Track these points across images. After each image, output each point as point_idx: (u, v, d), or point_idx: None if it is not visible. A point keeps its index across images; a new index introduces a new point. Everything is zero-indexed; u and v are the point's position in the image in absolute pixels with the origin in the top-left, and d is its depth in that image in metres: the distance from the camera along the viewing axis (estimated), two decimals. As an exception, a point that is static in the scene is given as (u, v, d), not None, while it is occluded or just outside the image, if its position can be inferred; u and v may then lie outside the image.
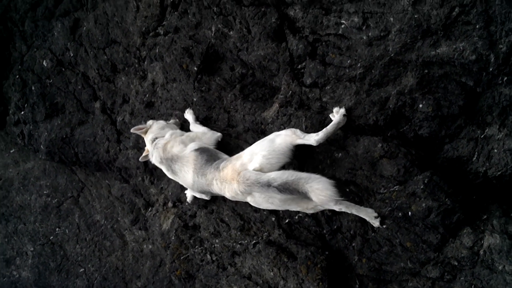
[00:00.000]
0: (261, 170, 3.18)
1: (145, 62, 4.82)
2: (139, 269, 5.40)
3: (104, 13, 5.03)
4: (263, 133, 3.82)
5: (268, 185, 3.05)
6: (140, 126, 4.34)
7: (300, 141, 3.22)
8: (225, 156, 3.72)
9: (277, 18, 3.75)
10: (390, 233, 3.33)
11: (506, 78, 2.94)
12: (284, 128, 3.55)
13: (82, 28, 5.27)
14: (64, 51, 5.46)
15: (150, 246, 5.29)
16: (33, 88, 5.62)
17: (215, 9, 4.07)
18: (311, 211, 3.45)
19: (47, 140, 5.59)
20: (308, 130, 3.44)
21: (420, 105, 3.25)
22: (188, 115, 4.35)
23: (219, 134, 4.03)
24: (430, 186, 3.14)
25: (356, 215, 3.39)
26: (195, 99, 4.33)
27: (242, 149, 3.52)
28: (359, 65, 3.40)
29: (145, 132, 4.31)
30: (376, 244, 3.43)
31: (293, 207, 3.38)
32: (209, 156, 3.66)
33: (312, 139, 3.19)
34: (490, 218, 3.16)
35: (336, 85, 3.56)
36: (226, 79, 4.19)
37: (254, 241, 3.89)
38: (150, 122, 4.36)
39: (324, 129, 3.23)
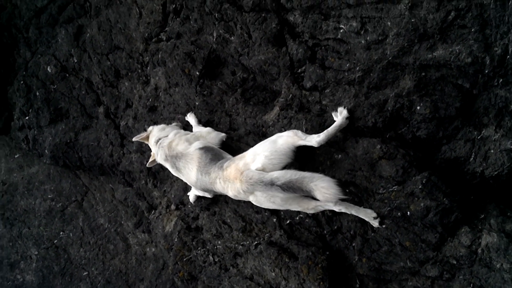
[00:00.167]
0: (263, 170, 3.22)
1: (148, 67, 4.90)
2: (142, 272, 5.46)
3: (107, 19, 5.12)
4: (264, 136, 3.88)
5: (271, 184, 3.09)
6: (141, 134, 4.39)
7: (301, 142, 3.27)
8: (229, 156, 3.76)
9: (277, 24, 3.81)
10: (389, 233, 3.39)
11: (501, 80, 3.00)
12: (285, 131, 3.60)
13: (86, 35, 5.35)
14: (68, 57, 5.54)
15: (153, 249, 5.35)
16: (37, 93, 5.70)
17: (216, 15, 4.14)
18: (311, 211, 3.50)
19: (52, 144, 5.65)
20: (308, 132, 3.49)
21: (418, 107, 3.31)
22: (190, 118, 4.41)
23: (223, 134, 4.09)
24: (428, 186, 3.19)
25: (356, 216, 3.45)
26: (197, 103, 4.39)
27: (244, 151, 3.56)
28: (357, 68, 3.46)
29: (147, 138, 4.35)
30: (376, 244, 3.48)
31: (294, 207, 3.42)
32: (213, 155, 3.70)
33: (314, 140, 3.24)
34: (487, 217, 3.20)
35: (336, 88, 3.62)
36: (228, 83, 4.25)
37: (256, 242, 3.94)
38: (150, 128, 4.39)
39: (326, 131, 3.28)
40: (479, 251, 3.13)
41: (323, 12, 3.57)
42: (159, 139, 4.15)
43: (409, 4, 3.08)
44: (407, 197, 3.27)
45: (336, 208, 3.34)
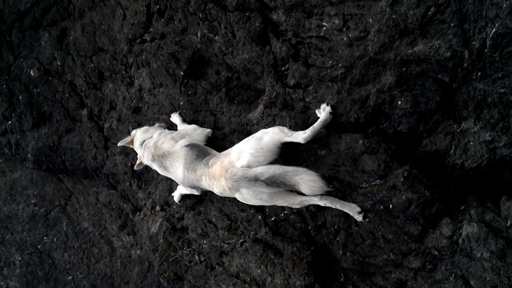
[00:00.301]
0: (248, 167, 3.23)
1: (132, 69, 4.91)
2: (127, 274, 5.44)
3: (91, 22, 5.13)
4: (248, 134, 3.87)
5: (255, 179, 3.10)
6: (125, 138, 4.39)
7: (288, 139, 3.30)
8: (215, 152, 3.77)
9: (261, 22, 3.86)
10: (372, 226, 3.44)
11: (480, 73, 3.08)
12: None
13: (69, 37, 5.34)
14: (51, 60, 5.52)
15: (138, 252, 5.34)
16: (20, 97, 5.67)
17: (200, 15, 4.18)
18: (297, 206, 3.52)
19: (35, 148, 5.62)
20: (292, 129, 3.50)
21: (399, 102, 3.38)
22: (175, 118, 4.42)
23: (209, 130, 4.11)
24: (410, 179, 3.25)
25: (340, 210, 3.49)
26: (181, 103, 4.41)
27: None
28: (340, 65, 3.52)
29: (132, 142, 4.35)
30: (359, 238, 3.53)
31: (280, 202, 3.43)
32: (199, 152, 3.71)
33: (300, 137, 3.27)
34: (467, 208, 3.27)
35: (319, 85, 3.68)
36: (212, 82, 4.29)
37: (241, 240, 3.96)
38: (133, 131, 4.40)
39: (311, 127, 3.32)
40: (460, 241, 3.20)
41: (306, 10, 3.64)
42: (144, 141, 4.15)
43: (390, 1, 3.15)
44: (389, 191, 3.32)
45: (322, 203, 3.36)
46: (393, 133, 3.53)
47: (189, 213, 4.40)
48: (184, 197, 4.42)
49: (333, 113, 3.52)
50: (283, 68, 3.88)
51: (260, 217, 3.94)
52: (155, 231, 4.64)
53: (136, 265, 5.34)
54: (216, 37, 4.13)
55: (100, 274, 5.68)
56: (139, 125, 4.78)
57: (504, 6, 2.78)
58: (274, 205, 3.62)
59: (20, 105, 5.68)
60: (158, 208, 4.78)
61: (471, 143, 3.27)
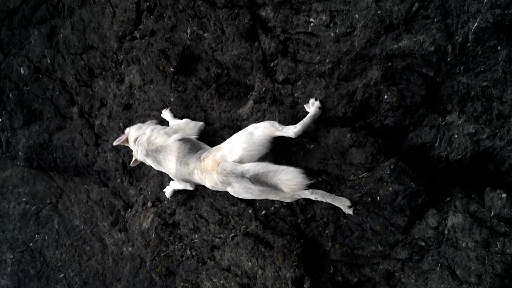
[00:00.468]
0: (241, 161, 3.28)
1: (122, 66, 4.94)
2: (119, 272, 5.46)
3: (80, 19, 5.15)
4: (239, 129, 3.89)
5: (242, 176, 3.15)
6: (120, 137, 4.42)
7: (278, 133, 3.36)
8: (207, 146, 3.81)
9: (250, 19, 3.92)
10: (360, 218, 3.50)
11: (463, 67, 3.16)
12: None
13: (59, 35, 5.35)
14: (41, 58, 5.53)
15: (130, 249, 5.37)
16: (10, 95, 5.67)
17: (190, 12, 4.22)
18: (289, 200, 3.59)
19: (25, 146, 5.63)
20: (281, 124, 3.56)
21: (385, 96, 3.45)
22: (166, 114, 4.46)
23: (201, 123, 4.16)
24: (396, 171, 3.32)
25: (329, 203, 3.55)
26: (172, 99, 4.45)
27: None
28: (327, 60, 3.59)
29: (126, 140, 4.38)
30: (348, 230, 3.59)
31: (272, 197, 3.49)
32: (192, 146, 3.75)
33: (291, 131, 3.33)
34: (453, 200, 3.34)
35: (307, 80, 3.74)
36: (202, 79, 4.33)
37: (233, 234, 4.01)
38: (127, 130, 4.42)
39: (301, 122, 3.38)
40: (446, 231, 3.27)
41: (294, 6, 3.70)
42: (137, 137, 4.18)
43: (375, -3, 3.23)
44: (377, 183, 3.39)
45: (313, 197, 3.41)
46: (380, 127, 3.60)
47: (181, 209, 4.43)
48: (175, 192, 4.45)
49: (322, 107, 3.58)
50: (272, 64, 3.94)
51: (250, 211, 3.99)
52: (147, 226, 4.68)
53: (128, 262, 5.37)
54: (206, 34, 4.18)
55: (92, 271, 5.70)
56: (130, 121, 4.81)
57: (485, 1, 2.85)
58: (265, 199, 3.67)
59: (10, 103, 5.68)
60: (149, 204, 4.81)
61: (456, 135, 3.35)
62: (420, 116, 3.47)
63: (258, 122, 3.65)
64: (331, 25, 3.51)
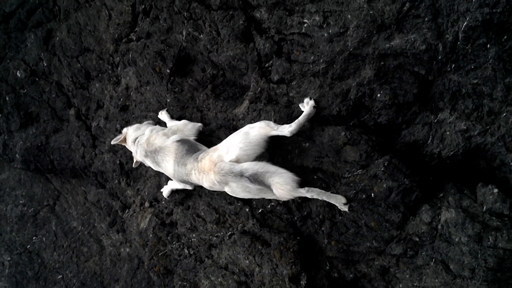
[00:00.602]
0: (237, 161, 3.33)
1: (119, 68, 4.98)
2: (117, 272, 5.50)
3: (76, 23, 5.19)
4: (235, 129, 3.95)
5: (240, 175, 3.21)
6: (117, 136, 4.45)
7: (274, 133, 3.41)
8: (205, 147, 3.85)
9: (244, 20, 3.97)
10: (355, 215, 3.55)
11: (454, 65, 3.22)
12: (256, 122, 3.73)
13: (55, 38, 5.39)
14: (38, 61, 5.56)
15: (127, 249, 5.40)
16: (7, 98, 5.69)
17: (185, 14, 4.28)
18: (285, 199, 3.63)
19: (22, 149, 5.65)
20: (277, 123, 3.60)
21: (378, 95, 3.51)
22: (163, 115, 4.50)
23: (200, 124, 4.20)
24: (390, 168, 3.38)
25: (325, 201, 3.60)
26: (168, 100, 4.50)
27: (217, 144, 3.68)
28: (321, 60, 3.65)
29: (124, 140, 4.41)
30: (343, 227, 3.65)
31: (269, 195, 3.52)
32: (189, 147, 3.79)
33: (286, 130, 3.38)
34: (446, 195, 3.39)
35: (302, 80, 3.80)
36: (198, 80, 4.38)
37: (230, 233, 4.05)
38: (124, 130, 4.45)
39: (296, 121, 3.42)
40: (439, 227, 3.32)
41: (288, 8, 3.75)
42: (136, 138, 4.22)
43: (367, -3, 3.30)
44: (371, 180, 3.45)
45: (309, 195, 3.42)
46: (373, 125, 3.66)
47: (178, 208, 4.48)
48: (173, 192, 4.50)
49: (316, 106, 3.64)
50: (267, 65, 3.99)
51: (247, 209, 4.03)
52: (145, 226, 4.72)
53: (126, 263, 5.41)
54: (201, 35, 4.23)
55: (89, 272, 5.73)
56: (126, 123, 4.86)
57: (473, 0, 2.92)
58: (262, 198, 3.73)
59: (7, 106, 5.71)
60: (147, 204, 4.85)
61: (448, 132, 3.41)
62: (413, 114, 3.53)
63: (254, 121, 3.71)
64: (324, 26, 3.56)
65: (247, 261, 3.85)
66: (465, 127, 3.33)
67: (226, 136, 3.66)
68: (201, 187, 3.80)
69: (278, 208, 3.90)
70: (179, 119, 4.43)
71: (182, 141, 3.88)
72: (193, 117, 4.38)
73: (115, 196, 5.32)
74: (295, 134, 3.44)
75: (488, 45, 3.04)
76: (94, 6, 5.04)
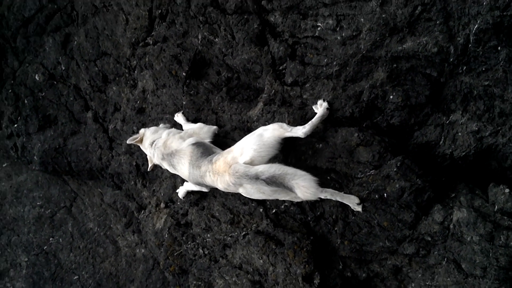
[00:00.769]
0: (251, 162, 3.36)
1: (135, 71, 5.08)
2: (132, 273, 5.58)
3: (94, 27, 5.31)
4: (249, 131, 3.99)
5: (256, 177, 3.24)
6: (134, 136, 4.50)
7: (288, 134, 3.44)
8: (219, 150, 3.91)
9: (259, 24, 4.05)
10: (368, 215, 3.60)
11: (465, 67, 3.27)
12: (269, 124, 3.78)
13: (73, 43, 5.52)
14: (56, 65, 5.70)
15: (142, 250, 5.49)
16: (25, 101, 5.83)
17: (201, 18, 4.36)
18: (299, 200, 3.69)
19: (40, 151, 5.78)
20: (291, 125, 3.60)
21: (391, 97, 3.56)
22: (179, 117, 4.57)
23: (215, 127, 4.25)
24: (403, 169, 3.42)
25: (338, 201, 3.64)
26: (184, 103, 4.58)
27: (231, 146, 3.73)
28: (335, 63, 3.70)
29: (141, 141, 4.47)
30: (356, 227, 3.69)
31: (283, 196, 3.56)
32: (204, 150, 3.85)
33: (300, 131, 3.42)
34: (457, 196, 3.42)
35: (315, 82, 3.86)
36: (213, 82, 4.46)
37: (244, 233, 4.10)
38: (142, 130, 4.51)
39: (310, 122, 3.47)
40: (451, 226, 3.36)
41: (302, 12, 3.82)
42: (154, 141, 4.29)
43: (380, 1, 3.34)
44: (384, 180, 3.49)
45: (322, 195, 3.49)
46: (386, 126, 3.71)
47: (193, 209, 4.54)
48: (188, 193, 4.56)
49: (330, 108, 3.69)
50: (281, 67, 4.06)
51: (261, 210, 4.08)
52: (160, 227, 4.78)
53: (141, 264, 5.49)
54: (216, 39, 4.31)
55: (105, 273, 5.82)
56: (143, 125, 4.95)
57: (484, 3, 2.97)
58: (276, 199, 3.79)
59: (25, 109, 5.84)
60: (162, 205, 4.92)
61: (459, 133, 3.45)
62: (425, 115, 3.58)
63: (268, 123, 3.75)
64: (337, 29, 3.63)
65: (261, 261, 3.90)
66: (476, 128, 3.36)
67: (241, 137, 3.70)
68: (216, 188, 3.87)
69: (291, 208, 3.95)
70: (194, 121, 4.50)
71: (197, 144, 3.94)
72: (208, 119, 4.46)
73: (131, 197, 5.41)
74: (308, 135, 3.48)
75: (499, 48, 3.08)
76: (112, 11, 5.16)
